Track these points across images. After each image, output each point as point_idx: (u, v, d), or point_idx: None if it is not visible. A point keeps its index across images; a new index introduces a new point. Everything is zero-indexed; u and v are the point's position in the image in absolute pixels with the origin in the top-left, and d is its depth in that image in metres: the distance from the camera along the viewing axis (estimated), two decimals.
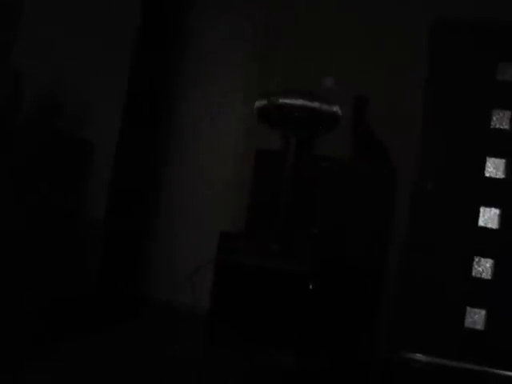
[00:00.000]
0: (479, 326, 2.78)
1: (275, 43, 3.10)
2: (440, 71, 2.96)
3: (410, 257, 2.86)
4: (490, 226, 2.84)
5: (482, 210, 2.86)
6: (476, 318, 2.80)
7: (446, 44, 2.95)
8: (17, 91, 2.77)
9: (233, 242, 2.26)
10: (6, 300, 2.31)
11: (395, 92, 2.91)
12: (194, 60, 3.34)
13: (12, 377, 1.68)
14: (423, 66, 2.91)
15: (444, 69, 2.96)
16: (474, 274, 2.83)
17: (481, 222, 2.85)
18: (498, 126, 2.89)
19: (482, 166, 2.88)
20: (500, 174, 2.85)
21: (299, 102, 2.15)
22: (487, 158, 2.87)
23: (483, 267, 2.82)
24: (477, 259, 2.83)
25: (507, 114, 2.87)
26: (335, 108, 2.22)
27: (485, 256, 2.82)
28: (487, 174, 2.87)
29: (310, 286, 2.08)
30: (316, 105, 2.14)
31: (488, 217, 2.85)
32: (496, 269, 2.79)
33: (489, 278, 2.80)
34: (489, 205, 2.85)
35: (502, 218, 2.82)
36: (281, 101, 2.17)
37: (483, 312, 2.79)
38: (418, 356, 2.78)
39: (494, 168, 2.87)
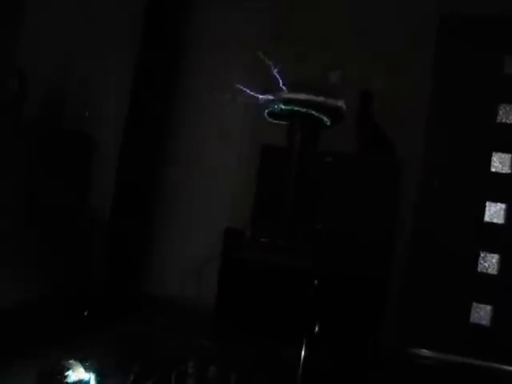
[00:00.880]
0: (485, 322, 2.78)
1: (282, 35, 3.08)
2: (447, 66, 2.94)
3: (416, 252, 2.85)
4: (495, 221, 2.83)
5: (487, 205, 2.84)
6: (482, 313, 2.79)
7: (454, 38, 2.92)
8: (21, 88, 2.78)
9: (238, 238, 2.25)
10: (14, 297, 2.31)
11: (401, 87, 2.88)
12: (198, 56, 3.32)
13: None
14: (430, 61, 2.89)
15: (451, 63, 2.94)
16: (479, 269, 2.82)
17: (486, 218, 2.84)
18: (504, 121, 2.87)
19: (488, 161, 2.86)
20: (506, 169, 2.83)
21: (304, 96, 2.14)
22: (493, 153, 2.86)
23: (489, 263, 2.81)
24: (483, 254, 2.82)
25: None
26: (340, 103, 2.21)
27: (491, 251, 2.81)
28: (493, 169, 2.86)
29: (315, 282, 2.07)
30: (321, 99, 2.13)
31: (494, 212, 2.84)
32: (502, 264, 2.78)
33: (495, 273, 2.79)
34: (495, 200, 2.83)
35: (508, 213, 2.80)
36: (286, 95, 2.16)
37: (489, 308, 2.78)
38: (424, 352, 2.77)
39: (500, 163, 2.85)
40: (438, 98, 2.92)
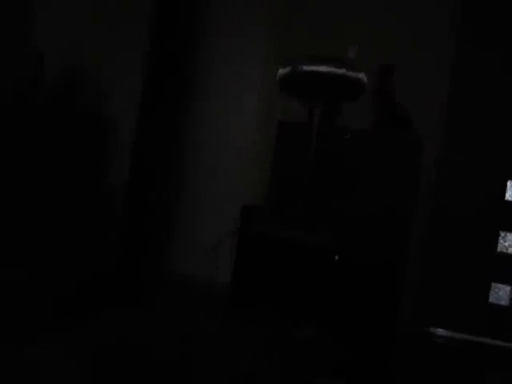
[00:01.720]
0: (503, 302, 2.74)
1: (298, 12, 3.01)
2: (470, 47, 2.85)
3: (435, 231, 2.81)
4: None
5: (509, 183, 2.78)
6: (501, 293, 2.75)
7: (478, 18, 2.83)
8: (38, 72, 2.75)
9: (256, 214, 2.22)
10: (28, 276, 2.31)
11: (422, 63, 2.81)
12: (215, 32, 3.26)
13: (34, 350, 1.68)
14: (452, 40, 2.80)
15: (474, 39, 2.85)
16: (499, 249, 2.77)
17: (508, 196, 2.78)
18: None
19: (510, 139, 2.79)
20: None
21: (324, 68, 2.07)
22: None
23: (509, 242, 2.76)
24: (503, 234, 2.77)
25: None
26: (361, 75, 2.14)
27: (511, 231, 2.76)
28: None
29: (336, 258, 2.04)
30: (342, 71, 2.06)
31: None
32: None
33: None
34: None
35: None
36: (305, 68, 2.09)
37: (508, 288, 2.74)
38: (441, 331, 2.74)
39: None
40: (458, 77, 2.84)
